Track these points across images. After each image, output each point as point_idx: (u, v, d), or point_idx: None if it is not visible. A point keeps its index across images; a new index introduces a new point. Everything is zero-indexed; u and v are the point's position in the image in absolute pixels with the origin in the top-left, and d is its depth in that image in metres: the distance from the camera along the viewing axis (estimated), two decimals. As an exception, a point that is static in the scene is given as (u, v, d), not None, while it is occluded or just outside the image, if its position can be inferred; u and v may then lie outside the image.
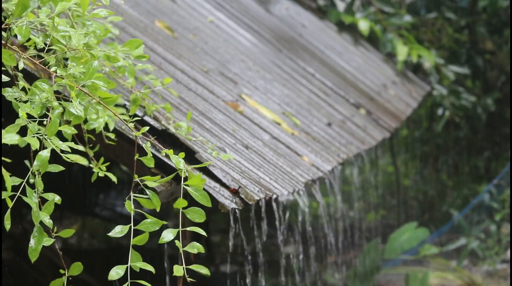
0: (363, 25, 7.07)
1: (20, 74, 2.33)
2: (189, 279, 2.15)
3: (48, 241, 2.14)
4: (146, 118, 2.93)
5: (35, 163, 2.05)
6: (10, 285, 5.49)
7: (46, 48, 2.31)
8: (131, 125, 2.30)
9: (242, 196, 2.87)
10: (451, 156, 8.91)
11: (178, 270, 2.13)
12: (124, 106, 2.93)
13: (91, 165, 2.62)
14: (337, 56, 6.49)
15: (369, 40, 7.31)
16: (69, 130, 2.16)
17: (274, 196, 3.14)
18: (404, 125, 8.49)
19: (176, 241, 2.15)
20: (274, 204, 3.14)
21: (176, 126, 3.02)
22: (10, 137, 2.01)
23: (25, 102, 2.17)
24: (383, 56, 7.25)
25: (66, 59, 2.40)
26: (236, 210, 2.82)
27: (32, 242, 2.11)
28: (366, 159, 5.03)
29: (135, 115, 2.82)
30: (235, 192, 2.87)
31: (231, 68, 4.51)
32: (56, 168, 2.15)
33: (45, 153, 2.05)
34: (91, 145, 2.63)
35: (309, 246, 4.18)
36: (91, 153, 2.60)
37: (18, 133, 2.09)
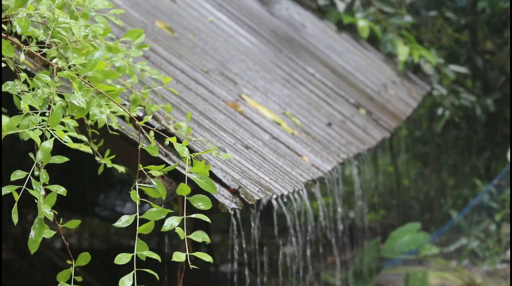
0: (363, 25, 7.07)
1: (21, 66, 2.33)
2: (191, 266, 2.13)
3: (48, 233, 2.12)
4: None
5: (38, 154, 2.04)
6: (10, 285, 5.49)
7: (47, 40, 2.31)
8: (134, 114, 2.30)
9: (242, 196, 2.87)
10: (451, 156, 8.91)
11: (179, 256, 2.10)
12: (124, 106, 2.93)
13: (97, 159, 2.62)
14: (337, 56, 6.49)
15: (369, 40, 7.32)
16: (71, 122, 2.16)
17: (274, 196, 3.14)
18: (404, 125, 8.49)
19: (178, 228, 2.13)
20: (274, 204, 3.14)
21: (176, 126, 3.02)
22: (10, 124, 2.01)
23: (29, 91, 2.17)
24: (383, 56, 7.25)
25: (67, 58, 2.40)
26: (236, 210, 2.82)
27: (32, 233, 2.10)
28: (367, 159, 5.03)
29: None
30: (235, 192, 2.87)
31: (231, 68, 4.51)
32: (61, 159, 2.14)
33: (48, 145, 2.05)
34: (95, 140, 2.63)
35: (309, 246, 4.18)
36: (95, 148, 2.60)
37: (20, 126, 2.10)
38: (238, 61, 4.73)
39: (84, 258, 2.22)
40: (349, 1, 7.41)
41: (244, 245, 3.25)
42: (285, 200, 3.26)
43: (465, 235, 7.38)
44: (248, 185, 3.01)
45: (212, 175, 2.88)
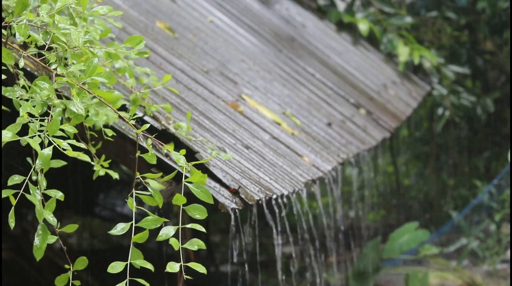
0: (363, 26, 7.07)
1: (21, 72, 2.33)
2: (186, 277, 2.13)
3: (52, 239, 2.13)
4: (146, 118, 2.93)
5: (37, 162, 2.04)
6: (10, 285, 5.49)
7: (47, 46, 2.31)
8: (132, 122, 2.30)
9: (242, 196, 2.87)
10: (451, 156, 8.91)
11: (172, 267, 2.10)
12: (124, 106, 2.93)
13: (93, 163, 2.62)
14: (337, 56, 6.49)
15: (369, 40, 7.32)
16: (71, 129, 2.16)
17: (274, 196, 3.14)
18: (404, 125, 8.49)
19: (172, 239, 2.12)
20: (274, 204, 3.15)
21: (176, 126, 3.02)
22: (5, 134, 2.01)
23: (26, 100, 2.17)
24: (383, 56, 7.25)
25: (67, 58, 2.40)
26: (236, 210, 2.82)
27: (36, 240, 2.10)
28: (367, 159, 5.03)
29: (135, 115, 2.81)
30: (235, 192, 2.87)
31: (231, 68, 4.51)
32: (59, 163, 2.15)
33: (47, 152, 2.05)
34: (93, 142, 2.63)
35: (309, 246, 4.18)
36: (93, 150, 2.60)
37: (19, 132, 2.10)
38: (238, 61, 4.73)
39: (82, 263, 2.22)
40: (349, 1, 7.41)
41: (243, 245, 3.25)
42: (285, 200, 3.26)
43: (465, 235, 7.38)
44: (248, 185, 3.01)
45: (212, 175, 2.88)
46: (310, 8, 7.27)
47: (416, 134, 9.12)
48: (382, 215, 8.74)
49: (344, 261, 6.53)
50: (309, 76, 5.48)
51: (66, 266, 2.23)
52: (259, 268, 3.75)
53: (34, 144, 2.05)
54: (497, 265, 7.31)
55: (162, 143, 2.31)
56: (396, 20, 7.30)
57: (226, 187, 2.88)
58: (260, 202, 3.00)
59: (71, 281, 2.21)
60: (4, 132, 2.04)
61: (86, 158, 2.14)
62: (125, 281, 2.10)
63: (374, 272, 6.49)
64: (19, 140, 2.09)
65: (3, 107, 2.40)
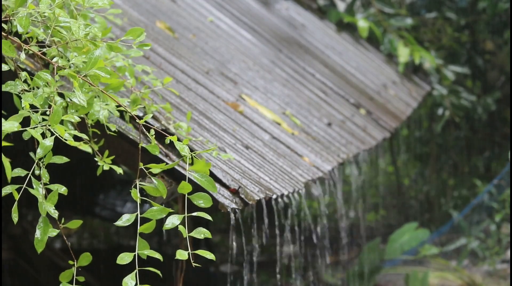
0: (363, 26, 7.07)
1: (22, 66, 2.34)
2: (194, 264, 2.14)
3: (53, 232, 2.13)
4: (146, 118, 2.93)
5: (38, 150, 2.04)
6: (10, 285, 5.49)
7: (47, 39, 2.31)
8: (135, 112, 2.30)
9: (242, 196, 2.87)
10: (451, 156, 8.91)
11: (182, 254, 2.11)
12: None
13: (96, 159, 2.62)
14: (337, 56, 6.49)
15: (369, 40, 7.32)
16: (72, 119, 2.16)
17: (274, 196, 3.14)
18: (404, 125, 8.49)
19: (181, 226, 2.14)
20: (273, 204, 3.15)
21: (176, 126, 3.02)
22: (10, 124, 2.01)
23: (29, 90, 2.17)
24: (383, 56, 7.25)
25: (67, 53, 2.40)
26: (236, 210, 2.82)
27: (37, 233, 2.10)
28: (367, 159, 5.03)
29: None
30: (235, 192, 2.87)
31: (231, 68, 4.51)
32: (60, 159, 2.15)
33: (48, 142, 2.06)
34: (95, 140, 2.63)
35: (309, 246, 4.18)
36: (95, 147, 2.60)
37: (20, 125, 2.10)
38: (238, 61, 4.73)
39: (86, 258, 2.23)
40: (349, 1, 7.41)
41: (244, 245, 3.26)
42: (285, 200, 3.26)
43: (465, 235, 7.39)
44: (248, 185, 3.01)
45: (212, 175, 2.88)
46: (310, 8, 7.27)
47: (416, 134, 9.12)
48: (382, 215, 8.74)
49: (344, 261, 6.54)
50: (309, 76, 5.48)
51: (70, 262, 2.23)
52: (260, 268, 3.75)
53: (36, 134, 2.05)
54: (497, 265, 7.31)
55: (166, 135, 2.31)
56: (396, 21, 7.30)
57: (226, 187, 2.88)
58: (260, 202, 3.00)
59: (75, 277, 2.21)
60: (9, 122, 2.04)
61: (87, 147, 2.15)
62: (134, 271, 2.11)
63: (374, 272, 6.49)
64: (16, 139, 2.09)
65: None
